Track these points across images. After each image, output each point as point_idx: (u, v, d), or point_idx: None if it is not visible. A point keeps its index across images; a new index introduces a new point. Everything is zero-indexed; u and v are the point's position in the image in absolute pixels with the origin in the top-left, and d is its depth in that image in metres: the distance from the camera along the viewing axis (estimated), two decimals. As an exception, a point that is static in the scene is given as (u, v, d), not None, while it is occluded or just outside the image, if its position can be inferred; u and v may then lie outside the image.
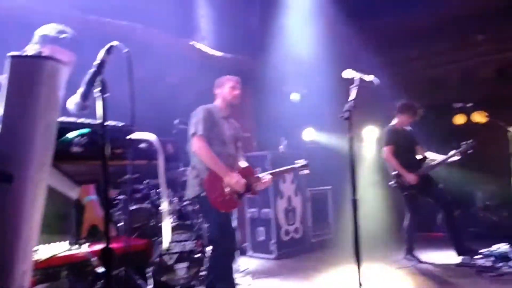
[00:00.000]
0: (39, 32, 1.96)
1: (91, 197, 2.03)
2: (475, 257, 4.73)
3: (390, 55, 6.89)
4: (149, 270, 4.09)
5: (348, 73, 3.02)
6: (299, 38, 6.97)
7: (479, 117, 7.08)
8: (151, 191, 4.64)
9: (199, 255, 4.63)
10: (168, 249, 3.95)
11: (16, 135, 1.13)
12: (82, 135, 1.25)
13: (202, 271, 4.54)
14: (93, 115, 1.33)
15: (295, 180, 6.26)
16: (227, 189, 3.42)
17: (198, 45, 5.98)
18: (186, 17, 5.88)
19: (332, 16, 7.32)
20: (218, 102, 3.72)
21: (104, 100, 1.26)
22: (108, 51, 1.33)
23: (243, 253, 5.24)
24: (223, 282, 3.35)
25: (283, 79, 7.35)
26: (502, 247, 4.72)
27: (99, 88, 1.26)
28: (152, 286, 4.03)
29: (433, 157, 5.20)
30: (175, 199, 4.74)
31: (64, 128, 1.23)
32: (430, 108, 6.40)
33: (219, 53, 6.41)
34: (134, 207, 4.32)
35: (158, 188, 4.76)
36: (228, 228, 3.43)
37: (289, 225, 6.07)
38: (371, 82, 2.93)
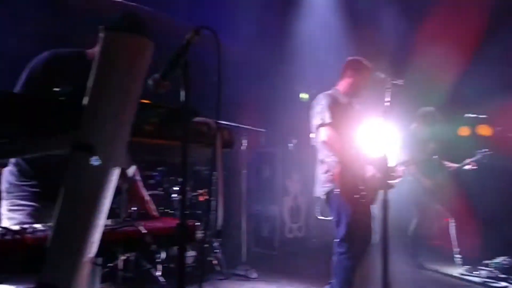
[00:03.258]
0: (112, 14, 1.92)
1: (136, 177, 2.03)
2: (479, 267, 4.79)
3: (405, 62, 6.91)
4: (158, 257, 4.12)
5: (379, 74, 3.00)
6: (316, 37, 7.01)
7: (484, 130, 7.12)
8: (163, 178, 4.66)
9: (206, 245, 4.67)
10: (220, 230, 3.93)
11: (102, 109, 1.15)
12: (157, 114, 1.26)
13: (208, 260, 4.59)
14: (167, 95, 1.34)
15: (301, 179, 6.29)
16: (361, 184, 3.07)
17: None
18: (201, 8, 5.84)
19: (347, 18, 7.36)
20: (343, 85, 3.31)
21: (186, 81, 1.27)
22: (196, 32, 1.34)
23: (246, 248, 5.25)
24: (343, 285, 3.09)
25: (296, 77, 7.38)
26: (504, 260, 4.78)
27: (183, 69, 1.27)
28: (161, 272, 4.06)
29: (449, 164, 5.25)
30: (187, 189, 4.75)
31: (142, 106, 1.24)
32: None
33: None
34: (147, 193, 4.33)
35: (171, 176, 4.78)
36: (359, 229, 3.08)
37: (293, 223, 6.10)
38: (400, 84, 2.92)
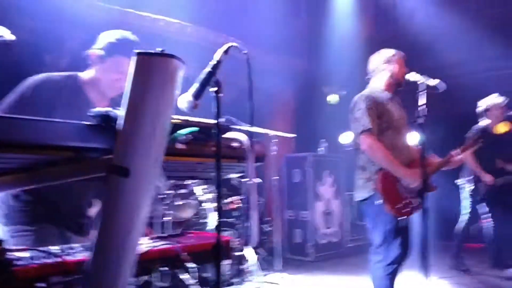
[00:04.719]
0: (105, 38, 1.95)
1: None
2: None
3: (435, 60, 6.73)
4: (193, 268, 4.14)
5: (412, 76, 2.91)
6: (344, 37, 6.94)
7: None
8: (196, 187, 4.69)
9: (240, 253, 4.66)
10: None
11: (137, 131, 1.15)
12: (190, 133, 1.26)
13: (243, 268, 4.57)
14: (198, 113, 1.34)
15: (334, 183, 6.21)
16: (405, 191, 2.96)
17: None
18: (230, 15, 5.89)
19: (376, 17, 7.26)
20: (381, 80, 3.17)
21: (218, 100, 1.26)
22: (226, 51, 1.34)
23: (280, 254, 5.23)
24: None
25: (325, 80, 7.32)
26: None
27: (215, 88, 1.27)
28: (196, 281, 4.08)
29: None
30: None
31: (174, 125, 1.24)
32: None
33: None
34: (179, 202, 4.37)
35: (203, 185, 4.81)
36: (398, 237, 2.97)
37: (327, 229, 6.02)
38: (435, 87, 2.81)
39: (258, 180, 5.50)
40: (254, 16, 6.08)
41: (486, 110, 5.09)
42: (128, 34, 2.01)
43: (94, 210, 1.91)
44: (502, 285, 4.51)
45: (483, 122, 5.11)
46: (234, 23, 5.59)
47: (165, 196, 4.28)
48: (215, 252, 1.21)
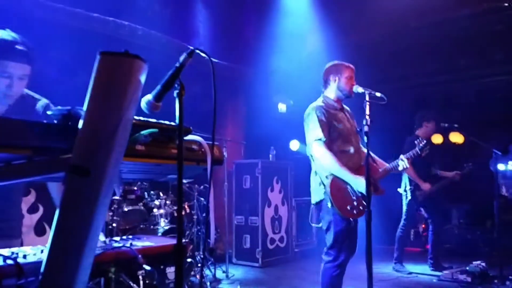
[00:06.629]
0: None
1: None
2: (456, 271, 4.93)
3: (379, 72, 7.11)
4: (140, 273, 4.05)
5: (358, 88, 3.11)
6: (291, 47, 7.12)
7: (456, 137, 7.41)
8: (144, 193, 4.61)
9: (189, 259, 4.62)
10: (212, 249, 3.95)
11: (98, 132, 1.15)
12: (150, 134, 1.27)
13: (192, 275, 4.53)
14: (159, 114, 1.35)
15: (282, 189, 6.33)
16: (353, 195, 3.16)
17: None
18: (184, 21, 5.90)
19: (325, 29, 7.52)
20: (331, 92, 3.36)
21: (181, 102, 1.28)
22: (190, 54, 1.36)
23: (229, 260, 5.25)
24: None
25: (273, 89, 7.47)
26: (480, 265, 4.91)
27: (177, 91, 1.29)
28: (143, 289, 3.99)
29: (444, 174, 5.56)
30: (168, 203, 4.72)
31: (135, 126, 1.25)
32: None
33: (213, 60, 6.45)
34: (127, 208, 4.28)
35: (151, 191, 4.74)
36: (347, 238, 3.17)
37: (275, 234, 6.12)
38: (381, 98, 3.00)
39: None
40: (201, 21, 6.12)
41: (421, 122, 5.52)
42: (4, 34, 1.85)
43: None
44: (439, 287, 4.81)
45: (418, 133, 5.52)
46: (182, 27, 5.59)
47: (112, 201, 4.17)
48: (177, 253, 1.22)
